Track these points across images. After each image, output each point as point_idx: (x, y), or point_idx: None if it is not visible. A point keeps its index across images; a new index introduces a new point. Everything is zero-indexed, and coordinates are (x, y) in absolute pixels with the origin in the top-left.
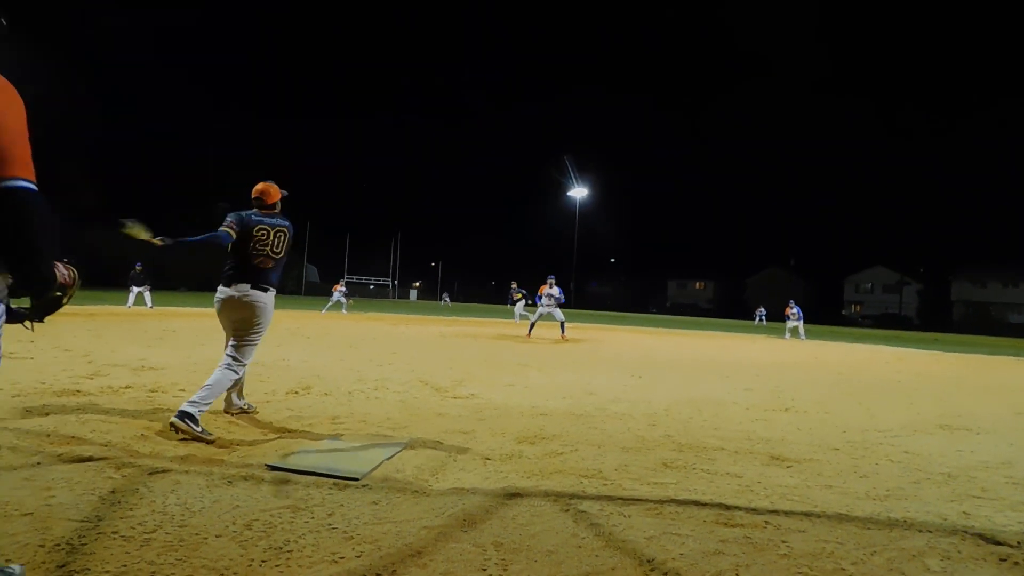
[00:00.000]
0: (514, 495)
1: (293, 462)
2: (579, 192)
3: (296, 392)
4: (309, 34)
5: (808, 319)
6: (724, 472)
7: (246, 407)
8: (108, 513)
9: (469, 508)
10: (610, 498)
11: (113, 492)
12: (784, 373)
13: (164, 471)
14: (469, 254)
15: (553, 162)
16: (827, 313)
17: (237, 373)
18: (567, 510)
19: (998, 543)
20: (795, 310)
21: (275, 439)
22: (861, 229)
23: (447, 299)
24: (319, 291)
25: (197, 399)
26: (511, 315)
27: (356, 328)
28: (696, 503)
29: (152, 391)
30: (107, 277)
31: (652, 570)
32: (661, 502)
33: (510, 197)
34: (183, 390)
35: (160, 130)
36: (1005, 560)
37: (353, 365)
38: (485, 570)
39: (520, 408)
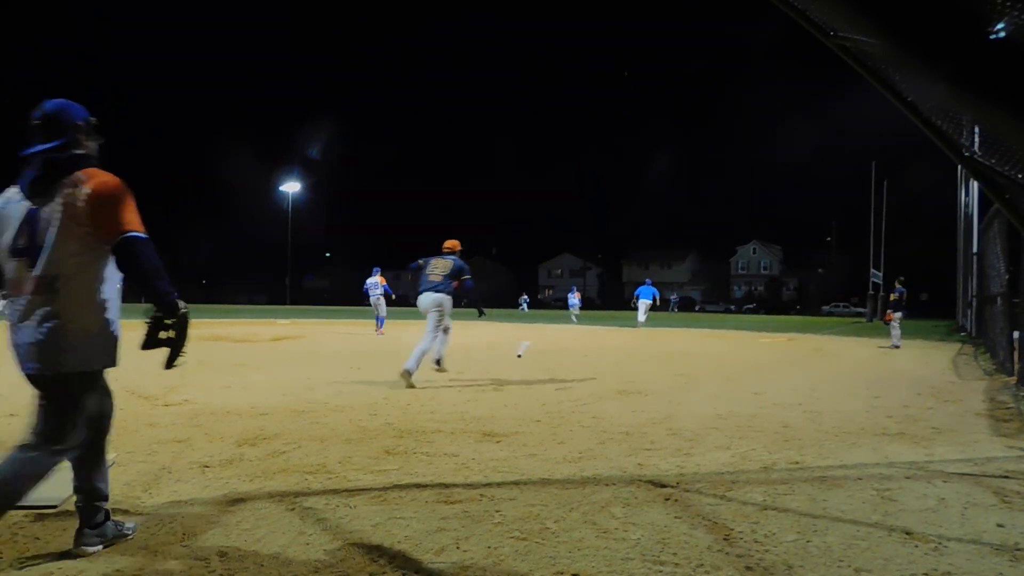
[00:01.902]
0: (236, 500)
1: None
2: (291, 187)
3: None
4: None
5: (510, 303)
6: (442, 453)
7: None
8: None
9: (188, 520)
10: (335, 491)
11: None
12: (490, 354)
13: None
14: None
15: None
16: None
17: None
18: (292, 508)
19: (663, 485)
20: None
21: None
22: (551, 221)
23: None
24: None
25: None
26: (228, 314)
27: None
28: (418, 485)
29: None
30: None
31: (380, 556)
32: (385, 489)
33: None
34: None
35: None
36: (668, 499)
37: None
38: None
39: (239, 409)
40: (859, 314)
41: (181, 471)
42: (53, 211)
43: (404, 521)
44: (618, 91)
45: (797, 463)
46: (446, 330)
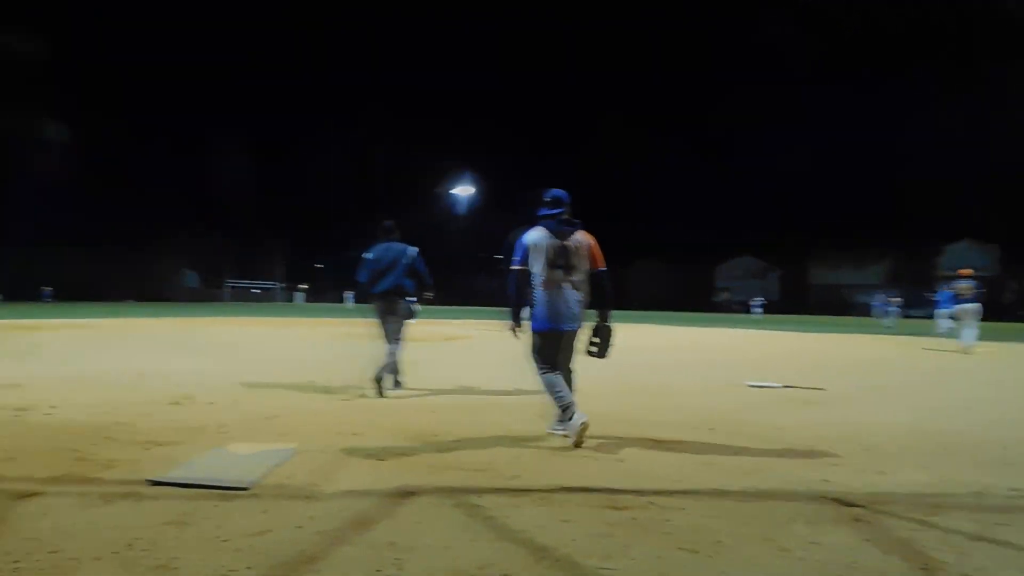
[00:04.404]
0: (407, 493)
1: (177, 475)
2: (465, 190)
3: (178, 402)
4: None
5: (683, 306)
6: (610, 457)
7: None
8: None
9: (362, 510)
10: (502, 490)
11: None
12: (663, 359)
13: (34, 494)
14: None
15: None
16: (700, 300)
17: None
18: (460, 505)
19: (852, 505)
20: None
21: (157, 452)
22: (728, 218)
23: (351, 299)
24: (201, 297)
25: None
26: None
27: (240, 332)
28: (585, 489)
29: (19, 410)
30: None
31: (544, 557)
32: (551, 491)
33: (397, 196)
34: (54, 407)
35: None
36: (859, 520)
37: (238, 371)
38: (380, 570)
39: (411, 406)
40: None
41: (356, 462)
42: (574, 245)
43: (570, 524)
44: (803, 66)
45: (1017, 490)
46: None
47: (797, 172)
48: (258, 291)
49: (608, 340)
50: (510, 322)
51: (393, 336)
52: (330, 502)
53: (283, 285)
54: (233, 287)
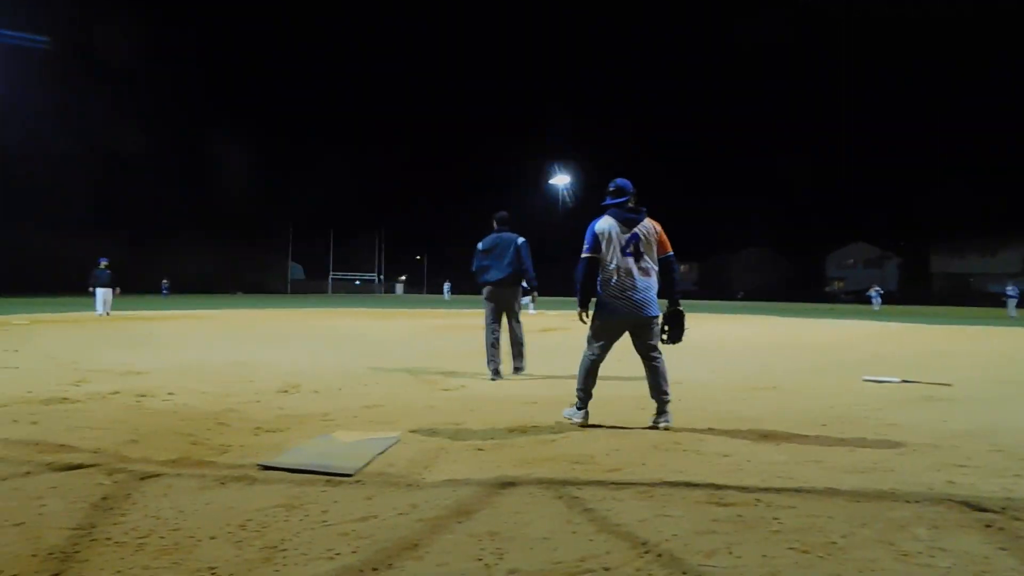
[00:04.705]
0: (507, 483)
1: (285, 460)
2: (562, 180)
3: (285, 391)
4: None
5: (793, 296)
6: (714, 452)
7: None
8: (100, 520)
9: (463, 498)
10: (601, 483)
11: (105, 499)
12: (770, 352)
13: (155, 475)
14: (457, 247)
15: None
16: (811, 290)
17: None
18: (560, 496)
19: (983, 510)
20: None
21: (266, 438)
22: (841, 205)
23: (448, 290)
24: (305, 289)
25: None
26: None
27: (343, 324)
28: (688, 484)
29: (140, 396)
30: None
31: (646, 552)
32: (653, 484)
33: (495, 186)
34: (171, 394)
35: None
36: (991, 526)
37: (341, 361)
38: (481, 560)
39: (510, 397)
40: None
41: (457, 452)
42: (643, 233)
43: (672, 519)
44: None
45: None
46: None
47: (917, 153)
48: (359, 283)
49: (680, 325)
50: (579, 310)
51: (514, 318)
52: (432, 490)
53: (382, 276)
54: (336, 279)
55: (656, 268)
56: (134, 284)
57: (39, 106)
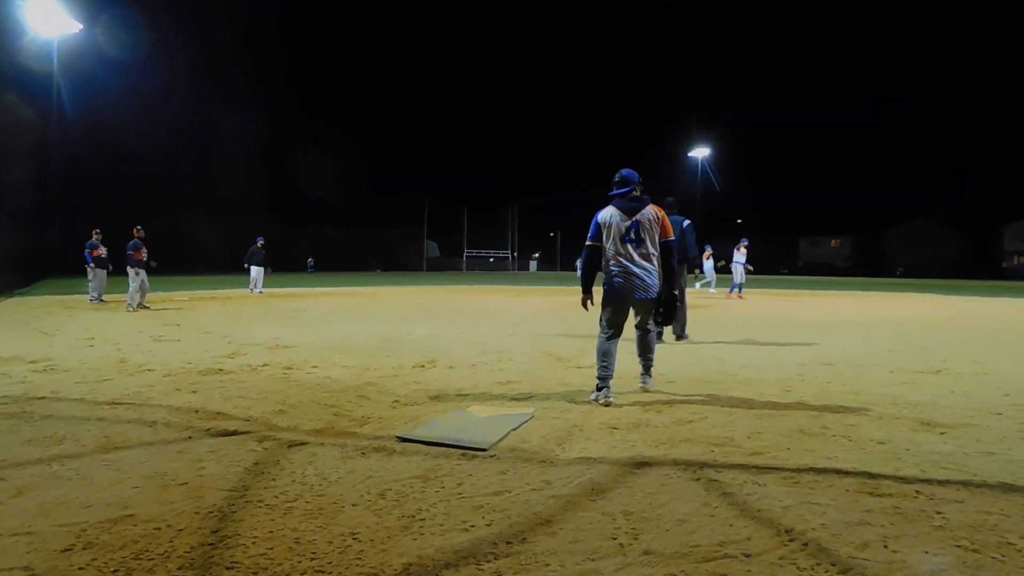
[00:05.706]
0: (642, 464)
1: (422, 433)
2: (701, 152)
3: (422, 366)
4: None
5: (962, 273)
6: (867, 439)
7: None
8: (253, 483)
9: (596, 477)
10: (742, 466)
11: (256, 464)
12: (933, 332)
13: (302, 444)
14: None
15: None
16: (984, 266)
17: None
18: (697, 479)
19: None
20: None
21: (404, 411)
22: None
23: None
24: (440, 266)
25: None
26: None
27: (477, 301)
28: (838, 471)
29: (287, 368)
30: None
31: (791, 540)
32: (798, 470)
33: (627, 159)
34: (315, 367)
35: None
36: None
37: (476, 338)
38: (615, 539)
39: None
40: None
41: (591, 430)
42: (644, 220)
43: (820, 507)
44: None
45: None
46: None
47: None
48: (492, 260)
49: (673, 308)
50: (582, 296)
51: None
52: (565, 467)
53: (515, 254)
54: (470, 256)
55: (657, 253)
56: (282, 264)
57: (196, 102)
